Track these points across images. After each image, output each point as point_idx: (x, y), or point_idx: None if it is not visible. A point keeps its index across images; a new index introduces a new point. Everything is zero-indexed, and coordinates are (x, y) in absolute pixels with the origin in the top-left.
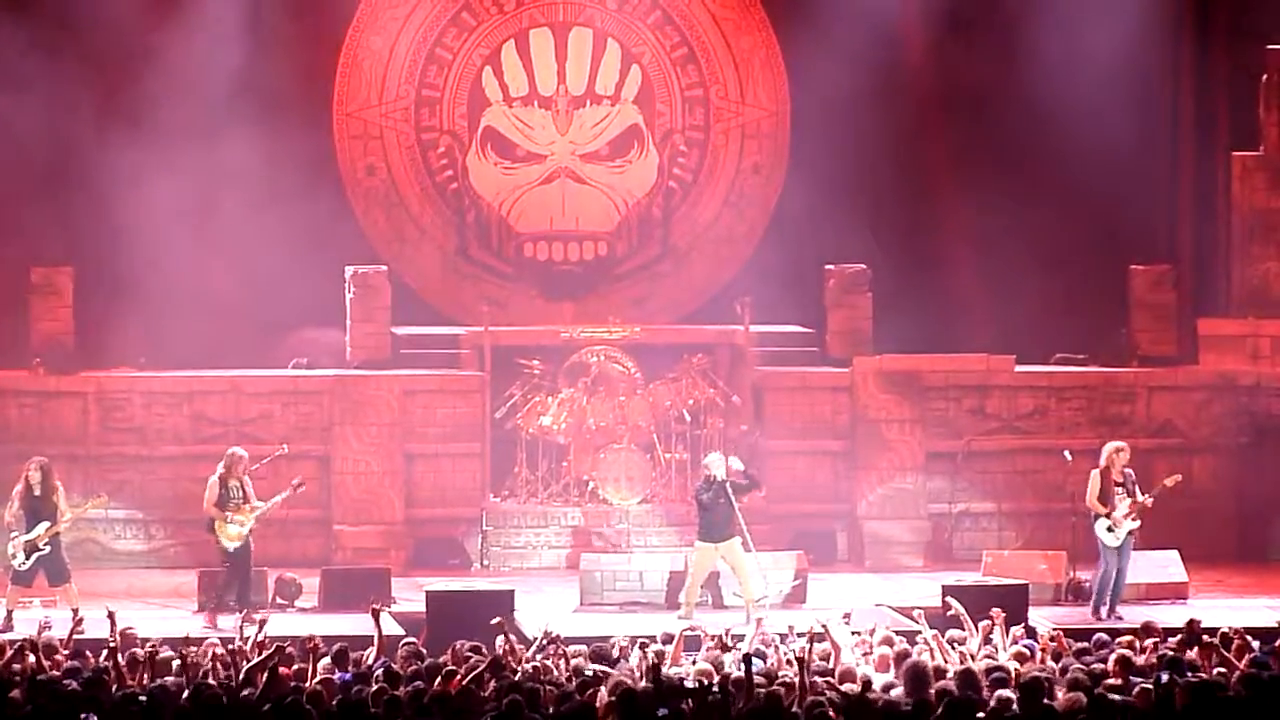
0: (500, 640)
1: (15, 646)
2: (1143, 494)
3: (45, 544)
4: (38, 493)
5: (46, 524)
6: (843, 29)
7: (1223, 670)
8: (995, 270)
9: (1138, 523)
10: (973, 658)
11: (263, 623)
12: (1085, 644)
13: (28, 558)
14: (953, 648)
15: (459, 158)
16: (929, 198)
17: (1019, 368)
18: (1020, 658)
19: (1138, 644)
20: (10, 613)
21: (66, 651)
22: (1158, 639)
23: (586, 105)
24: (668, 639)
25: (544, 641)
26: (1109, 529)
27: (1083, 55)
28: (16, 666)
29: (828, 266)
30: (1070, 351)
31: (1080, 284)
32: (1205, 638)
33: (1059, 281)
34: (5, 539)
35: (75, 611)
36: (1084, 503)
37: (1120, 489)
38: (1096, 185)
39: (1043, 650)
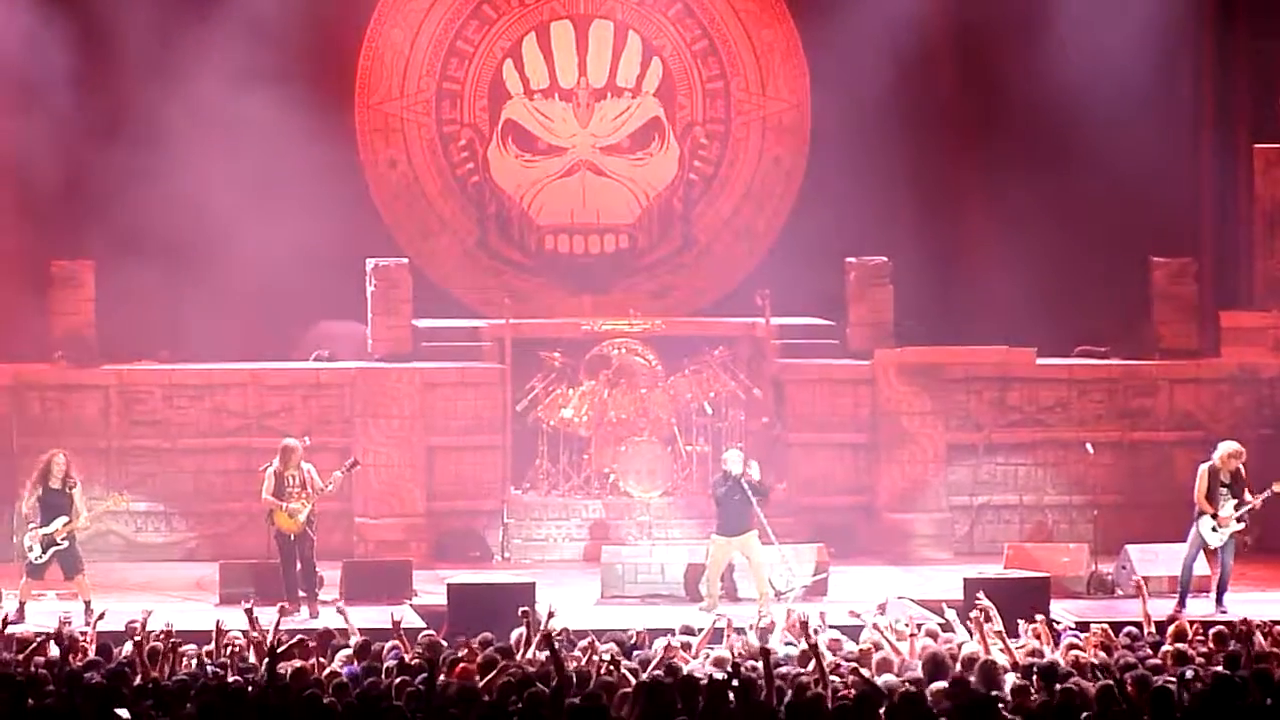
0: (518, 632)
1: (38, 640)
2: (1252, 495)
3: (63, 539)
4: (56, 485)
5: (64, 519)
6: (864, 20)
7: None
8: (1016, 263)
9: (1241, 525)
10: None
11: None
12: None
13: (44, 552)
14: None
15: (480, 150)
16: (950, 190)
17: (1040, 360)
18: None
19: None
20: (23, 604)
21: (91, 645)
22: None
23: (607, 98)
24: (687, 631)
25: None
26: (1214, 529)
27: (1105, 48)
28: (39, 660)
29: (849, 259)
30: (1092, 344)
31: (1102, 277)
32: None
33: (1080, 274)
34: (22, 531)
35: (88, 604)
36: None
37: (1225, 489)
38: (1118, 178)
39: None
